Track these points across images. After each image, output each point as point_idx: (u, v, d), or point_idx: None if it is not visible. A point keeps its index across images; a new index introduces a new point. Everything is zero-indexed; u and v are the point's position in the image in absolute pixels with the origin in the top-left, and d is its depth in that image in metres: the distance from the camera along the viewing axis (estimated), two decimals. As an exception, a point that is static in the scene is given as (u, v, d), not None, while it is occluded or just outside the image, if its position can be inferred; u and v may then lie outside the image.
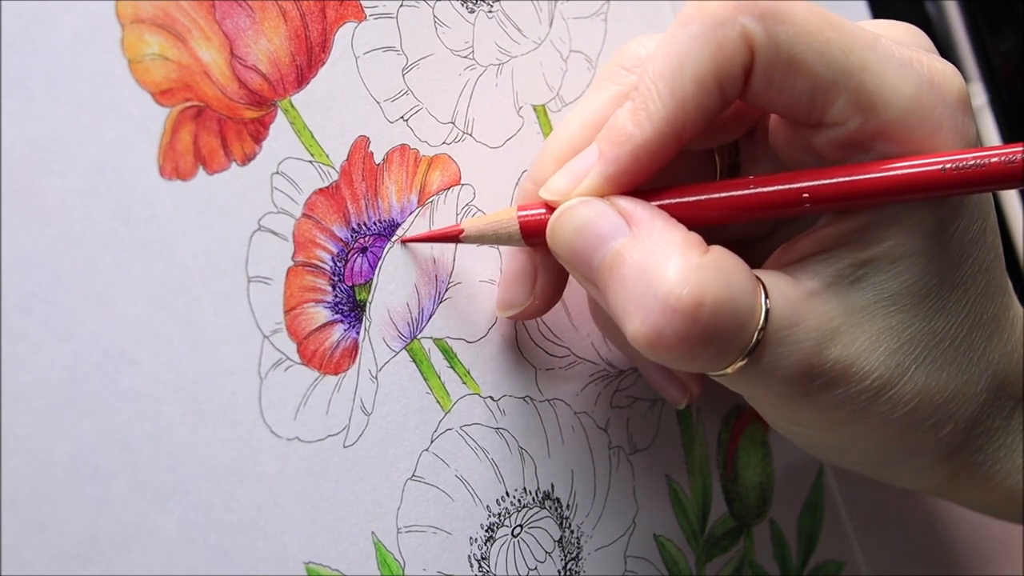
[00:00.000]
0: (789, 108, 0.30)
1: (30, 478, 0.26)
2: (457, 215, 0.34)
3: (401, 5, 0.33)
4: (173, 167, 0.28)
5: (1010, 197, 0.51)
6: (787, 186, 0.30)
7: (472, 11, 0.35)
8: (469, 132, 0.34)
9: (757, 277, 0.29)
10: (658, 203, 0.30)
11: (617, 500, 0.36)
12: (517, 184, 0.35)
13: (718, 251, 0.29)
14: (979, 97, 0.50)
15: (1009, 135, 0.50)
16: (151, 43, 0.28)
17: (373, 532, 0.31)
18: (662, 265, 0.28)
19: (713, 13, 0.28)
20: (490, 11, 0.35)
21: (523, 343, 0.35)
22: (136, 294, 0.27)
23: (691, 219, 0.30)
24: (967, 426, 0.32)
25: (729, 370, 0.29)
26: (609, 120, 0.31)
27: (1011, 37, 0.51)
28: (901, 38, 0.31)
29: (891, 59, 0.29)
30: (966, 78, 0.49)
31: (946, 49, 0.50)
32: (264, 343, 0.29)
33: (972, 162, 0.28)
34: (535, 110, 0.36)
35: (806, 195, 0.30)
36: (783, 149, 0.32)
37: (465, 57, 0.34)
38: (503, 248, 0.34)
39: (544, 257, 0.33)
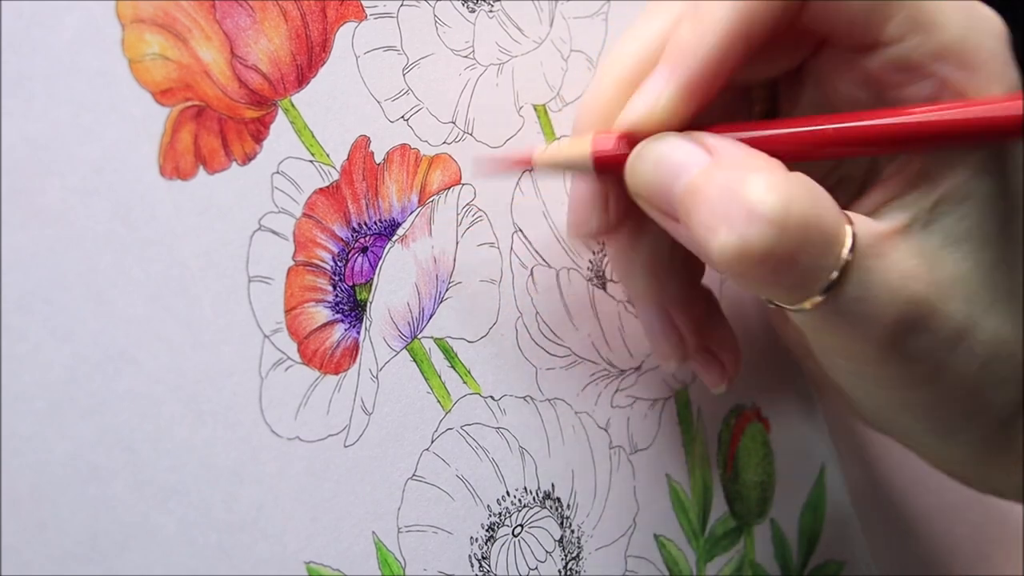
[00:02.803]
0: (846, 25, 0.29)
1: (30, 478, 0.26)
2: (458, 215, 0.34)
3: (401, 5, 0.33)
4: (173, 167, 0.28)
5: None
6: (869, 122, 0.29)
7: (473, 11, 0.35)
8: (470, 132, 0.34)
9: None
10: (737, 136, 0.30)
11: (617, 500, 0.36)
12: (517, 185, 0.35)
13: (800, 174, 0.29)
14: (981, 96, 0.50)
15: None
16: (151, 43, 0.28)
17: (374, 532, 0.31)
18: (746, 179, 0.28)
19: None
20: (491, 11, 0.35)
21: (524, 343, 0.35)
22: (136, 294, 0.27)
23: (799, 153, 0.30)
24: None
25: (808, 305, 0.29)
26: (670, 39, 0.30)
27: (1011, 37, 0.50)
28: None
29: None
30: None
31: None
32: (264, 343, 0.29)
33: None
34: (536, 110, 0.36)
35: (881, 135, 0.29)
36: (838, 87, 0.32)
37: (466, 57, 0.34)
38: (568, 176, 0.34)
39: (615, 185, 0.32)
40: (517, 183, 0.35)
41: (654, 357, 0.37)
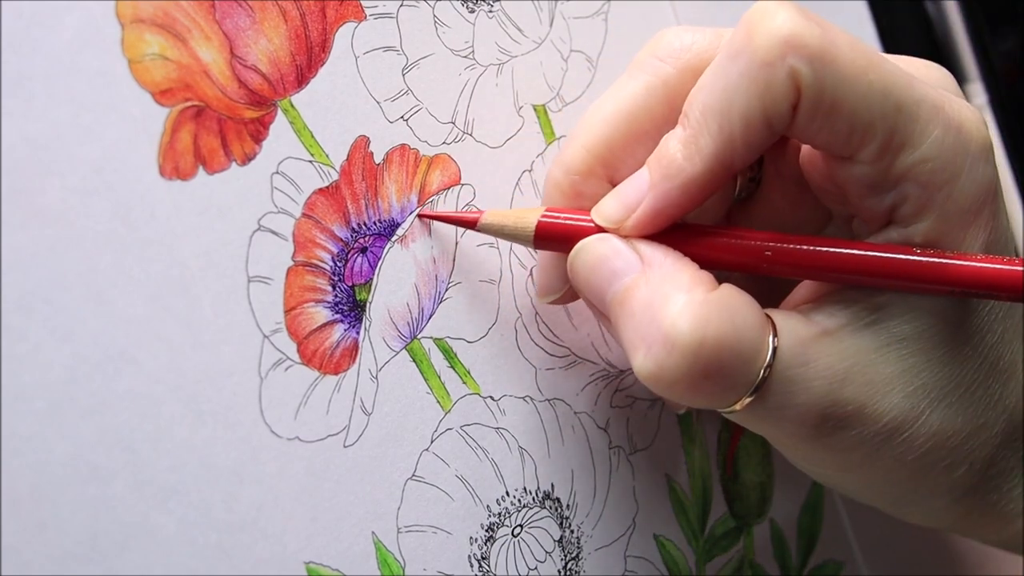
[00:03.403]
0: (826, 144, 0.30)
1: (30, 478, 0.26)
2: (457, 215, 0.34)
3: (401, 5, 0.33)
4: (173, 167, 0.28)
5: (1011, 201, 0.51)
6: (801, 246, 0.30)
7: (472, 11, 0.35)
8: (469, 132, 0.34)
9: (768, 316, 0.30)
10: (672, 239, 0.31)
11: (617, 500, 0.36)
12: (516, 185, 0.35)
13: (727, 288, 0.29)
14: (979, 97, 0.50)
15: (1009, 135, 0.50)
16: (151, 43, 0.28)
17: (373, 532, 0.31)
18: (668, 301, 0.29)
19: (763, 52, 0.28)
20: (490, 11, 0.35)
21: (523, 343, 0.35)
22: (136, 294, 0.27)
23: (705, 260, 0.31)
24: (982, 467, 0.32)
25: (737, 407, 0.29)
26: (659, 146, 0.31)
27: (1011, 37, 0.51)
28: (932, 80, 0.31)
29: (924, 102, 0.29)
30: (966, 78, 0.49)
31: (946, 49, 0.50)
32: (264, 343, 0.29)
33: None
34: (535, 110, 0.36)
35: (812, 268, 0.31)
36: (811, 174, 0.32)
37: (465, 57, 0.34)
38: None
39: None
40: (517, 183, 0.35)
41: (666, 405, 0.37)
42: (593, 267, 0.31)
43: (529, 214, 0.32)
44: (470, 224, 0.33)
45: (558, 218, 0.32)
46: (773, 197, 0.34)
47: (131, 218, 0.28)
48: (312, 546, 0.30)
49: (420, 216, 0.33)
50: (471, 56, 0.35)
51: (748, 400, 0.29)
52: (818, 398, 0.29)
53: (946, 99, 0.30)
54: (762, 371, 0.29)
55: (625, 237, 0.31)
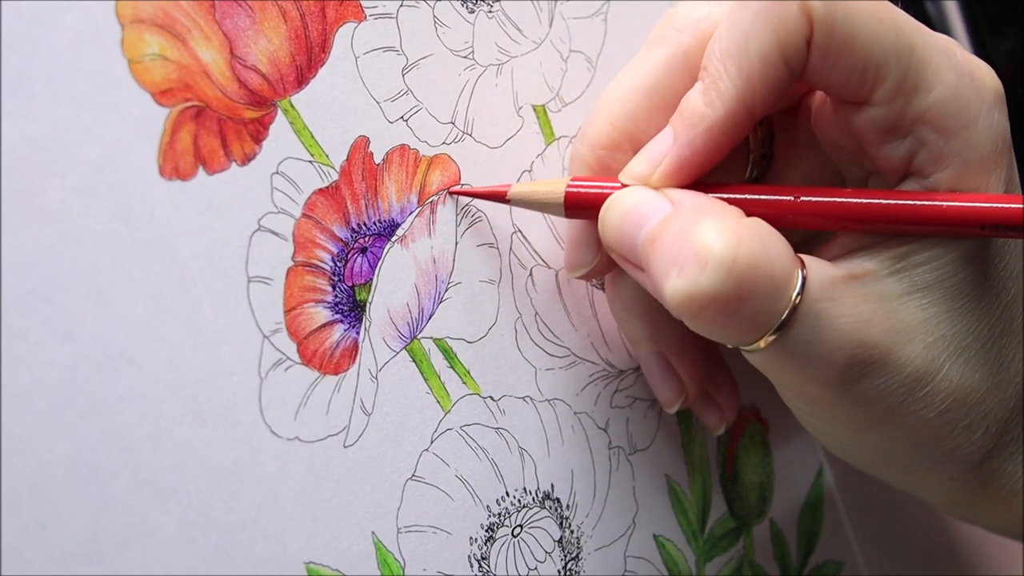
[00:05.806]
0: (840, 85, 0.30)
1: (30, 478, 0.26)
2: (457, 215, 0.34)
3: (401, 5, 0.33)
4: (173, 167, 0.28)
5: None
6: (827, 198, 0.30)
7: (472, 11, 0.35)
8: (469, 132, 0.34)
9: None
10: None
11: (617, 500, 0.36)
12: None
13: (756, 219, 0.29)
14: (979, 97, 0.50)
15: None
16: (151, 43, 0.28)
17: (373, 532, 0.31)
18: (698, 225, 0.29)
19: None
20: (490, 11, 0.35)
21: (523, 343, 0.35)
22: (136, 294, 0.27)
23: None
24: (998, 430, 0.32)
25: (762, 344, 0.29)
26: (681, 102, 0.31)
27: (1011, 37, 0.51)
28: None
29: (936, 46, 0.30)
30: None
31: (946, 49, 0.50)
32: (264, 343, 0.29)
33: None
34: (535, 110, 0.36)
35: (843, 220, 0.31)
36: (825, 130, 0.32)
37: (465, 57, 0.34)
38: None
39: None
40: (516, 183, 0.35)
41: (658, 401, 0.37)
42: (624, 215, 0.31)
43: (558, 182, 0.32)
44: (500, 197, 0.33)
45: (587, 182, 0.32)
46: (785, 172, 0.34)
47: (131, 218, 0.28)
48: (312, 546, 0.30)
49: (451, 193, 0.33)
50: (471, 56, 0.35)
51: (772, 338, 0.29)
52: (846, 336, 0.29)
53: (956, 47, 0.30)
54: (793, 298, 0.29)
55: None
